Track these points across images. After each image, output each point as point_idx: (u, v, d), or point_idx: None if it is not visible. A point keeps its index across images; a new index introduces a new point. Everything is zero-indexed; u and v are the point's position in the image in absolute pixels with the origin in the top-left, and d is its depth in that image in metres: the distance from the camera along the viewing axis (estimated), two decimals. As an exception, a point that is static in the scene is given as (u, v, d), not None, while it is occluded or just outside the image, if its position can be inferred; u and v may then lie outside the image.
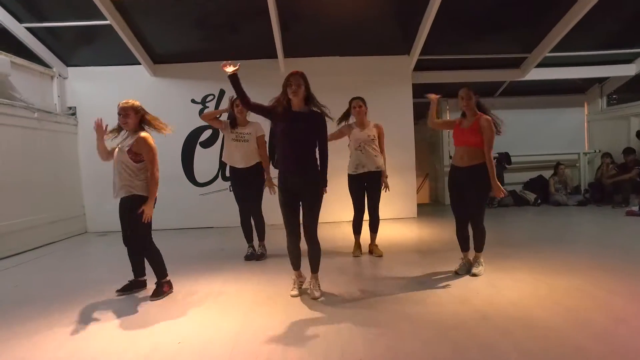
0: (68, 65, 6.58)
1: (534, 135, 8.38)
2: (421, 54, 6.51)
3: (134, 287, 3.45)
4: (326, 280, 3.41)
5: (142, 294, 3.40)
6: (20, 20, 5.59)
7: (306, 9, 5.66)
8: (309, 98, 3.08)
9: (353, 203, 4.40)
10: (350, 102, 4.30)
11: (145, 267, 3.48)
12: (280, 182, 3.14)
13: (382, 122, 4.42)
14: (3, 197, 5.06)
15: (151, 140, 3.20)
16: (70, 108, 6.58)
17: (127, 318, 2.89)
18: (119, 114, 3.22)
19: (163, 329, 2.68)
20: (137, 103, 3.26)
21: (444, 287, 3.30)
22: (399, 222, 6.51)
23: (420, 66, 6.91)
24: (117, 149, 3.26)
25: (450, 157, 8.51)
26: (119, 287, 3.44)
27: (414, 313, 2.78)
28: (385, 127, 4.42)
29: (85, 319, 2.91)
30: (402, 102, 6.82)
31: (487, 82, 7.63)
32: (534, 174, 8.37)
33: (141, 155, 3.16)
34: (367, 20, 5.94)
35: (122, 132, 3.30)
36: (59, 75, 6.39)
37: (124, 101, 3.25)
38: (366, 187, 4.34)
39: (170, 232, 6.38)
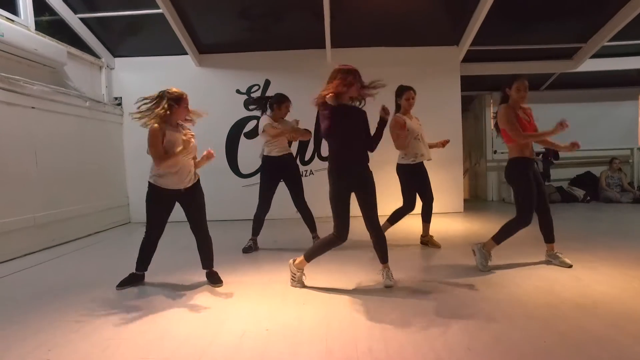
0: (115, 55, 6.62)
1: (582, 130, 8.00)
2: (470, 45, 6.34)
3: (134, 280, 3.29)
4: (397, 269, 3.31)
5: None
6: (75, 11, 5.64)
7: (355, -3, 5.54)
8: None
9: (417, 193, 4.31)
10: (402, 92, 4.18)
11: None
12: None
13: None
14: (61, 185, 5.12)
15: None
16: (116, 98, 6.62)
17: (195, 305, 2.86)
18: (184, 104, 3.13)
19: (246, 315, 2.63)
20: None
21: (523, 277, 3.15)
22: (446, 217, 6.34)
23: (467, 57, 6.73)
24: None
25: (495, 151, 8.32)
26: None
27: (502, 299, 2.65)
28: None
29: (161, 303, 2.88)
30: (450, 94, 6.65)
31: (535, 74, 7.38)
32: (581, 171, 8.08)
33: None
34: (417, 11, 5.78)
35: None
36: (107, 65, 6.44)
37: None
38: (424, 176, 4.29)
39: (214, 223, 6.35)
